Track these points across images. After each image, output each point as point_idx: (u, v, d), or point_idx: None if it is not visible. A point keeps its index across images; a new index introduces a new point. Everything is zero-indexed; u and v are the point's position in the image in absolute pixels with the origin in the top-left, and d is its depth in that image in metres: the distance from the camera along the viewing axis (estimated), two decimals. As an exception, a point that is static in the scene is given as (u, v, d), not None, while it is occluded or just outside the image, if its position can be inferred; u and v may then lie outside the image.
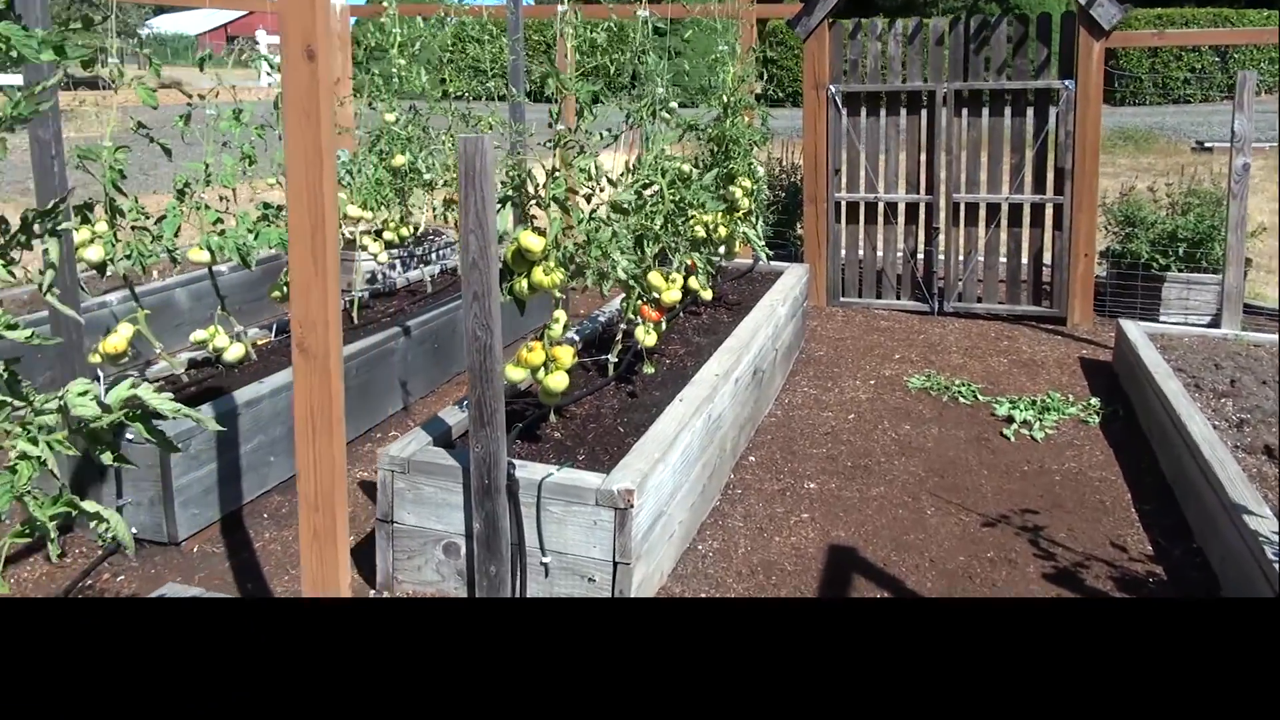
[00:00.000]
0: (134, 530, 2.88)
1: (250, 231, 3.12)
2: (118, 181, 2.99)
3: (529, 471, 2.42)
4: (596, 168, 2.62)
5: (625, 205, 2.82)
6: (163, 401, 1.48)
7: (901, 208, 5.92)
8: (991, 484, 3.52)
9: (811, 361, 4.92)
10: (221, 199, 3.19)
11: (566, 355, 2.59)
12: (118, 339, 3.03)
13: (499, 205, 2.50)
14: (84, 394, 1.41)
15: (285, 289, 3.71)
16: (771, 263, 5.10)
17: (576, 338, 3.72)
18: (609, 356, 3.23)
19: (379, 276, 5.05)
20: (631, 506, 2.31)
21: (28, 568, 2.79)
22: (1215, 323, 5.16)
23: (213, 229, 3.14)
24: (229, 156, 3.16)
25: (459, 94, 5.05)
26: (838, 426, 4.05)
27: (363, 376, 3.69)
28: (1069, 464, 3.70)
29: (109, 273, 3.07)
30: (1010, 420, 4.09)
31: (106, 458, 1.51)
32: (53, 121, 2.58)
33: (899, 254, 5.98)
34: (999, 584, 2.83)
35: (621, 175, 3.05)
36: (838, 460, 3.71)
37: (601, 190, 2.64)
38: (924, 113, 5.81)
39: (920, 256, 5.93)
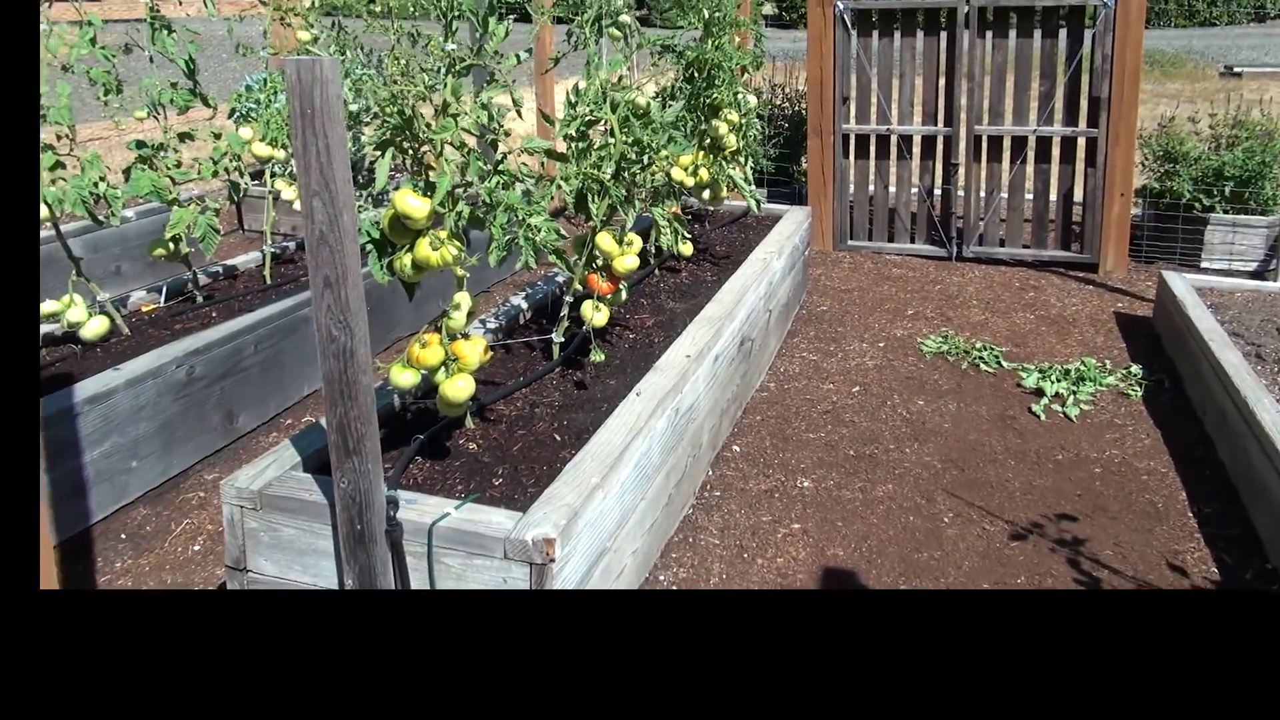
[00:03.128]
0: (-48, 561, 2.31)
1: (95, 180, 2.47)
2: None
3: (419, 510, 1.83)
4: (515, 102, 1.95)
5: (561, 150, 2.16)
6: None
7: (917, 140, 5.21)
8: (1020, 478, 2.92)
9: (813, 319, 4.29)
10: (59, 138, 2.54)
11: (473, 352, 1.97)
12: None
13: (378, 152, 1.85)
14: None
15: (169, 245, 3.08)
16: (768, 205, 4.42)
17: (521, 308, 3.09)
18: (554, 336, 2.60)
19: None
20: (552, 561, 1.72)
21: None
22: (1261, 270, 4.76)
23: (52, 176, 2.50)
24: (65, 85, 2.50)
25: (404, 9, 4.30)
26: (840, 403, 3.45)
27: (267, 351, 3.08)
28: (1110, 451, 3.09)
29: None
30: (1040, 394, 3.47)
31: None
32: None
33: (914, 192, 5.29)
34: (1035, 626, 2.26)
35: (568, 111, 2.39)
36: (838, 448, 3.11)
37: (508, 134, 1.98)
38: (944, 34, 5.05)
39: (937, 195, 5.24)
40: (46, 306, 2.73)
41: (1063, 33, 4.83)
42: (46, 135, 2.53)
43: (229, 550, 1.95)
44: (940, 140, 5.16)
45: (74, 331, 2.75)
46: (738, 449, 3.09)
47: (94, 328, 2.74)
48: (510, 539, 1.74)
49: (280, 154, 3.48)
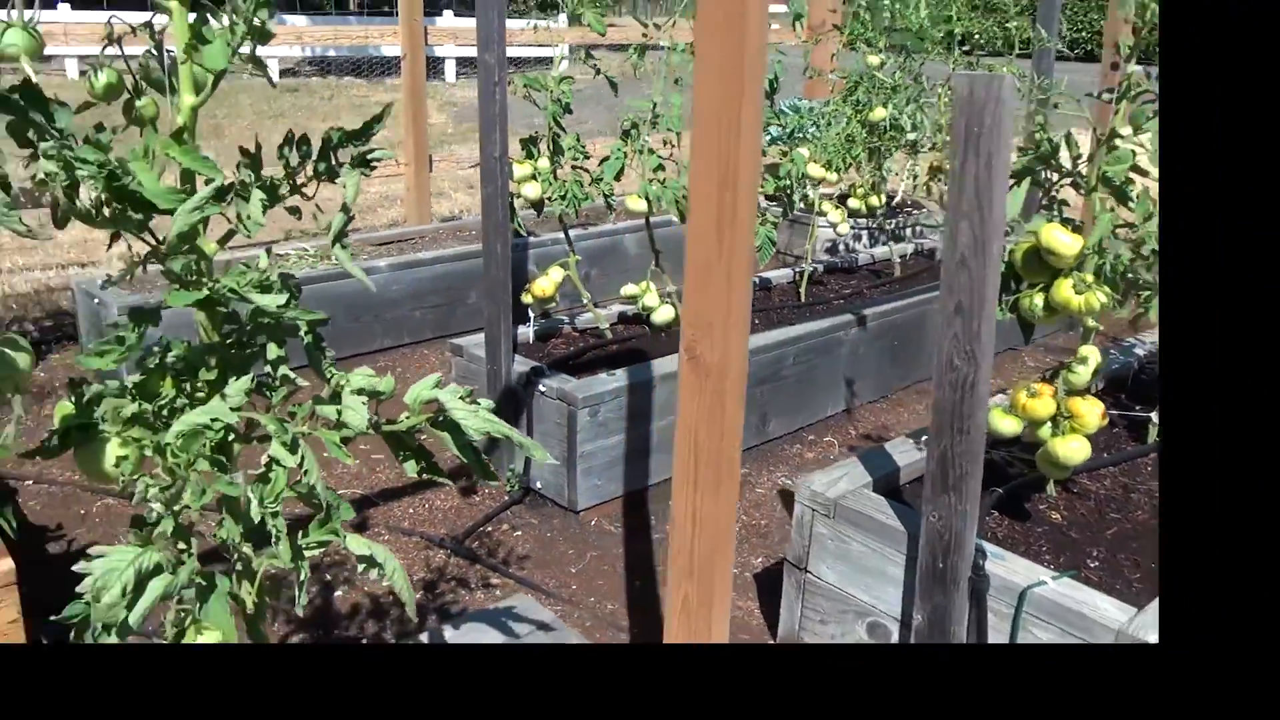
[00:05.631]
0: (538, 485, 2.72)
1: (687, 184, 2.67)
2: (559, 116, 2.75)
3: (1007, 567, 1.62)
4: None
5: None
6: (468, 414, 1.04)
7: None
8: None
9: None
10: (665, 144, 2.80)
11: (1093, 414, 1.72)
12: (546, 282, 2.86)
13: (1011, 181, 1.69)
14: (359, 391, 1.00)
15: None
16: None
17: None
18: (1152, 416, 2.22)
19: (839, 249, 4.43)
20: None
21: (443, 496, 2.75)
22: None
23: (653, 176, 2.77)
24: (678, 96, 2.74)
25: (965, 38, 4.16)
26: None
27: (802, 365, 3.11)
28: None
29: (545, 212, 2.91)
30: None
31: (410, 467, 1.12)
32: (498, 45, 2.38)
33: None
34: None
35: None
36: None
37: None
38: None
39: None
40: (628, 289, 3.08)
41: None
42: (653, 140, 2.82)
43: (793, 547, 1.95)
44: None
45: (647, 314, 3.06)
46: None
47: (663, 314, 3.01)
48: (1123, 633, 1.46)
49: (832, 176, 3.52)
